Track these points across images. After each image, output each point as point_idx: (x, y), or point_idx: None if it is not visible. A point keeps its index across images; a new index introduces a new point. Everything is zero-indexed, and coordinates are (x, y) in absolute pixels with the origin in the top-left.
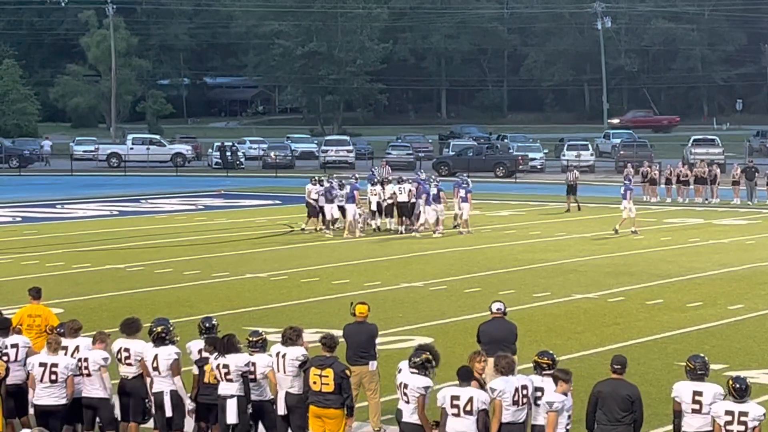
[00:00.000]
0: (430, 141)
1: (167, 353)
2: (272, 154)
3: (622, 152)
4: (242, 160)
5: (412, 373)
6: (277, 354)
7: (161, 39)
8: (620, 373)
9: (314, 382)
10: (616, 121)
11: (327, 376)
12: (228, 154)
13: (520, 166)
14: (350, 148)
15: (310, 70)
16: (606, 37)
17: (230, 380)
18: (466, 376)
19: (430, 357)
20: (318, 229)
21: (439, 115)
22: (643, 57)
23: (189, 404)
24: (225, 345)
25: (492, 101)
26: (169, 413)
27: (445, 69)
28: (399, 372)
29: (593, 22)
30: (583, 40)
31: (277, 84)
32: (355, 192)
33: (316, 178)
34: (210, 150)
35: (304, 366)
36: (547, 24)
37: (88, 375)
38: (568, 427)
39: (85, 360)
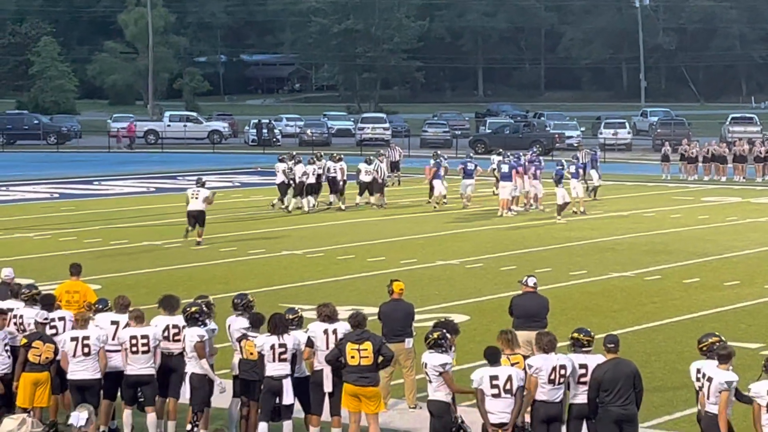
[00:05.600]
0: (466, 119)
1: (192, 334)
2: (309, 131)
3: (659, 131)
4: (279, 137)
5: (429, 352)
6: (325, 331)
7: (198, 16)
8: (615, 352)
9: (352, 357)
10: None
11: (366, 350)
12: (264, 131)
13: (557, 144)
14: (387, 125)
15: (346, 47)
16: (644, 15)
17: (284, 360)
18: (495, 357)
19: (444, 333)
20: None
21: (476, 93)
22: (681, 35)
23: (218, 386)
24: (280, 325)
25: (529, 79)
26: (186, 394)
27: (481, 47)
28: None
29: (631, 0)
30: (621, 18)
31: (314, 62)
32: (514, 169)
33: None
34: (246, 127)
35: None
36: (584, 2)
37: (146, 351)
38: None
39: (144, 337)
